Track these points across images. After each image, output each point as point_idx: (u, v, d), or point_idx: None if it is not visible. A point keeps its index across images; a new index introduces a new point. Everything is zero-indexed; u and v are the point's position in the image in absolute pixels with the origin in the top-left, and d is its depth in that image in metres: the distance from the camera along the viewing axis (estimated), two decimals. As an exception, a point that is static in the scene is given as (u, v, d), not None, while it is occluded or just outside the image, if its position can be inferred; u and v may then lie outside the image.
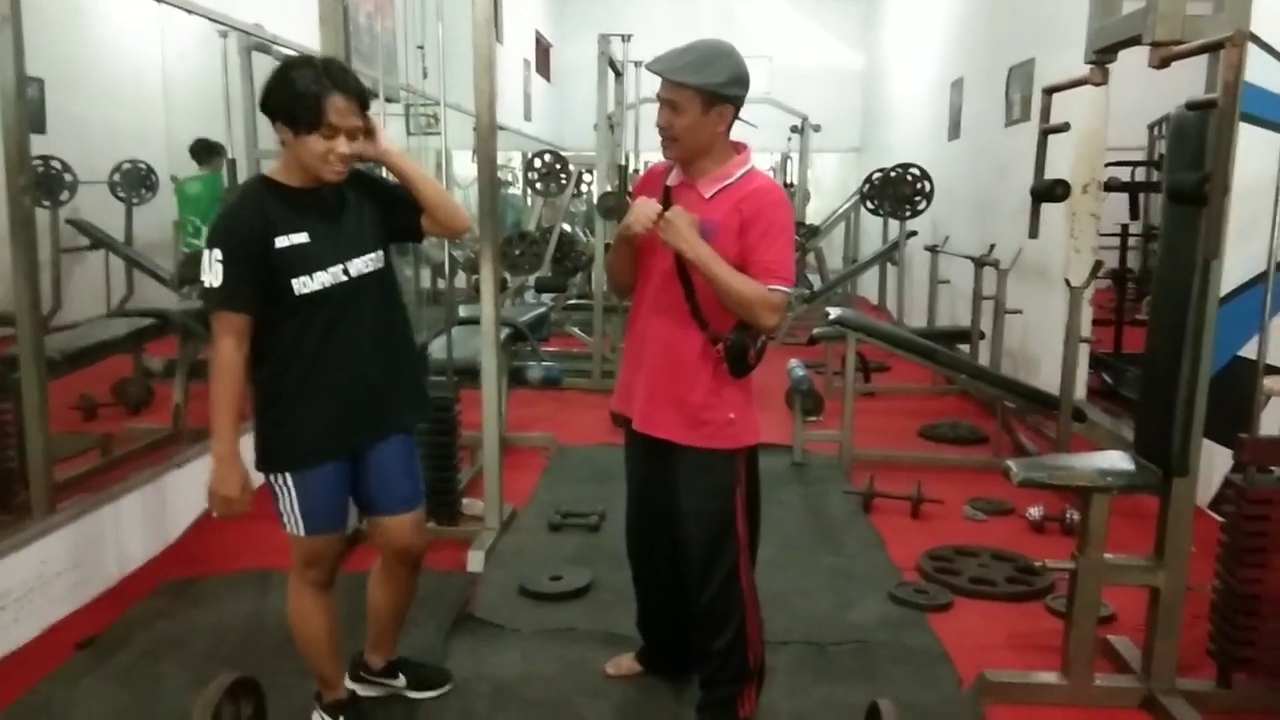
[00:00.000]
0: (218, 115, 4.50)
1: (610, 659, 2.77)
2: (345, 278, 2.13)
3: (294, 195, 2.10)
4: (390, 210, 2.25)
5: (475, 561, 3.42)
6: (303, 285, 2.07)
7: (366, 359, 2.19)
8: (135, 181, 4.42)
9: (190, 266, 4.67)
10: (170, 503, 3.68)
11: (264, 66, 4.67)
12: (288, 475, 2.18)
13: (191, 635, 2.92)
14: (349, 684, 2.50)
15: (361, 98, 2.08)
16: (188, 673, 2.68)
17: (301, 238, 2.07)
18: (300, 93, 1.98)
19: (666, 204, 2.24)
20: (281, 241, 2.05)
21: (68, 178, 4.00)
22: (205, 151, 4.56)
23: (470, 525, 3.73)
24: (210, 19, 4.06)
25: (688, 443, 2.28)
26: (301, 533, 2.23)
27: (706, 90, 2.13)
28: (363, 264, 2.16)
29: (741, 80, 2.18)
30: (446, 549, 3.45)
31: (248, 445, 2.17)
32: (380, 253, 2.21)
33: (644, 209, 2.18)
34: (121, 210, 4.40)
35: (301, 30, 4.40)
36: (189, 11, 3.85)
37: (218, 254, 2.01)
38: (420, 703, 2.55)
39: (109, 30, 4.14)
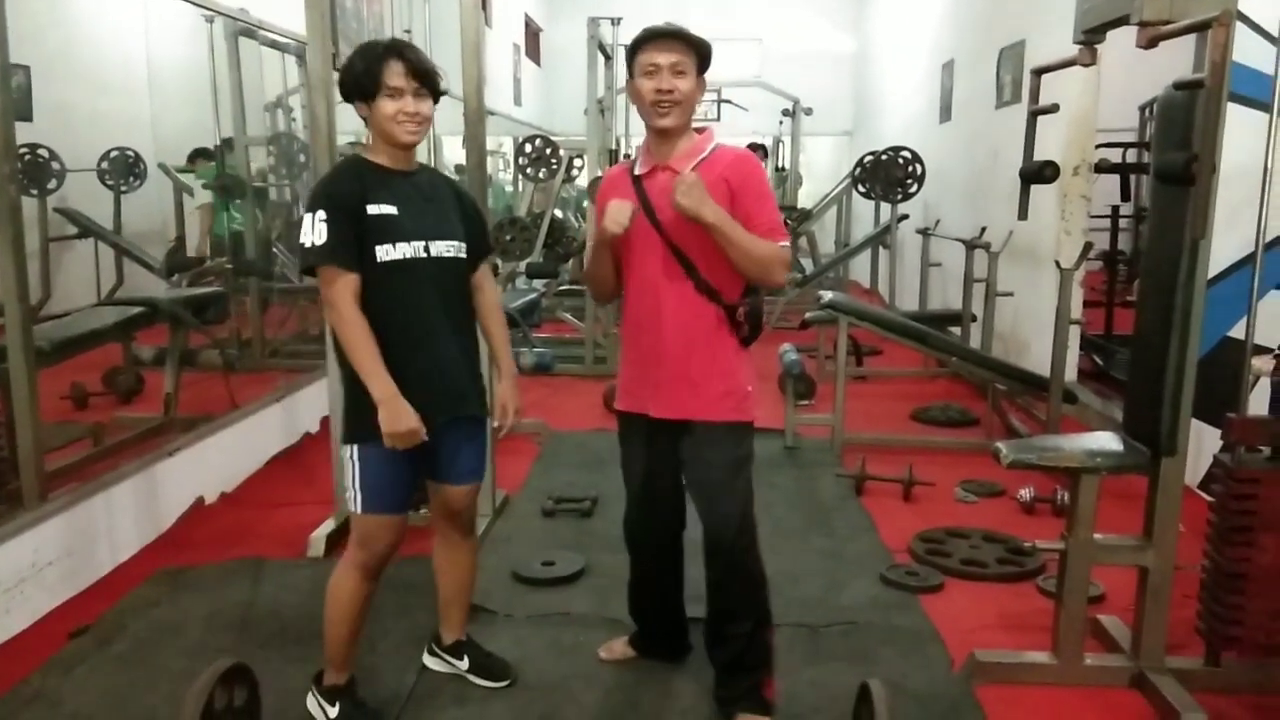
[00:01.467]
0: (205, 101, 4.48)
1: (604, 643, 2.77)
2: (425, 254, 2.23)
3: (386, 172, 2.25)
4: (471, 231, 2.37)
5: (468, 547, 3.42)
6: (385, 253, 2.18)
7: (444, 340, 2.28)
8: (123, 169, 4.39)
9: (177, 255, 4.66)
10: (162, 491, 3.67)
11: (251, 51, 4.66)
12: (356, 448, 2.24)
13: (185, 623, 2.93)
14: (425, 656, 2.66)
15: (421, 65, 2.20)
16: (181, 661, 2.69)
17: (390, 209, 2.20)
18: (362, 66, 2.18)
19: (641, 195, 2.28)
20: (373, 208, 2.18)
21: (55, 166, 3.98)
22: (203, 156, 4.62)
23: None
24: (195, 4, 4.02)
25: (717, 418, 2.29)
26: (359, 509, 2.27)
27: (703, 52, 2.23)
28: (445, 247, 2.27)
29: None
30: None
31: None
32: (464, 245, 2.32)
33: (617, 209, 2.23)
34: (110, 198, 4.37)
35: (287, 14, 4.37)
36: (174, -3, 3.82)
37: (321, 214, 2.14)
38: (482, 690, 2.56)
39: (95, 17, 4.10)
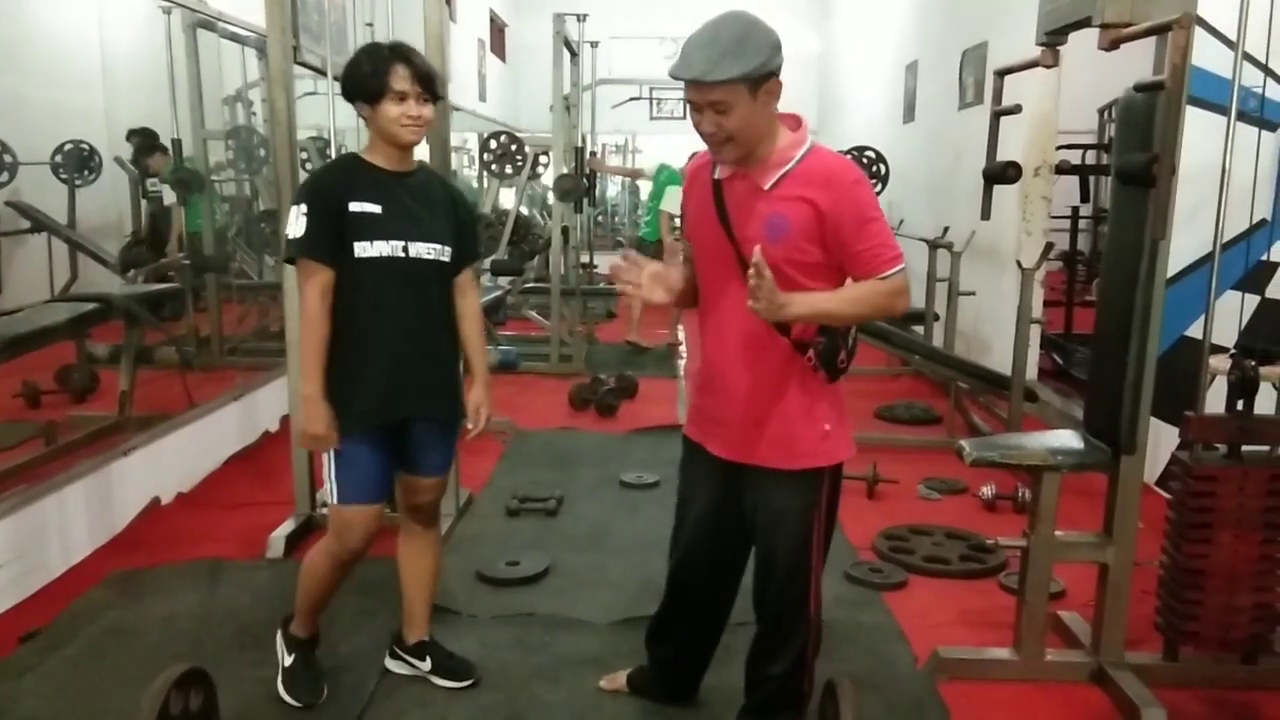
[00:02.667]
0: (163, 94, 4.40)
1: (573, 642, 2.76)
2: (403, 254, 2.25)
3: (378, 172, 2.28)
4: (459, 236, 2.39)
5: (431, 547, 3.39)
6: (363, 249, 2.22)
7: (414, 339, 2.30)
8: (77, 162, 4.30)
9: (133, 250, 4.58)
10: (117, 492, 3.59)
11: (209, 44, 4.57)
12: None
13: (140, 627, 2.86)
14: (386, 659, 2.63)
15: (425, 70, 2.24)
16: (136, 665, 2.62)
17: (374, 207, 2.23)
18: (367, 68, 2.21)
19: (718, 200, 2.01)
20: (355, 205, 2.22)
21: (7, 158, 3.88)
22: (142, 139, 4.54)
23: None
24: (151, -5, 3.95)
25: (782, 466, 2.06)
26: (335, 500, 2.33)
27: (753, 77, 1.85)
28: (425, 249, 2.29)
29: (779, 46, 1.90)
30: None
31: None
32: (447, 248, 2.33)
33: (652, 282, 2.02)
34: (64, 192, 4.28)
35: (247, 7, 4.30)
36: (129, -14, 3.74)
37: (303, 208, 2.21)
38: (445, 692, 2.54)
39: (48, 8, 4.00)
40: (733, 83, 1.84)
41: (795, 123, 2.00)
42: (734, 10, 1.92)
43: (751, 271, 1.80)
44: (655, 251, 7.07)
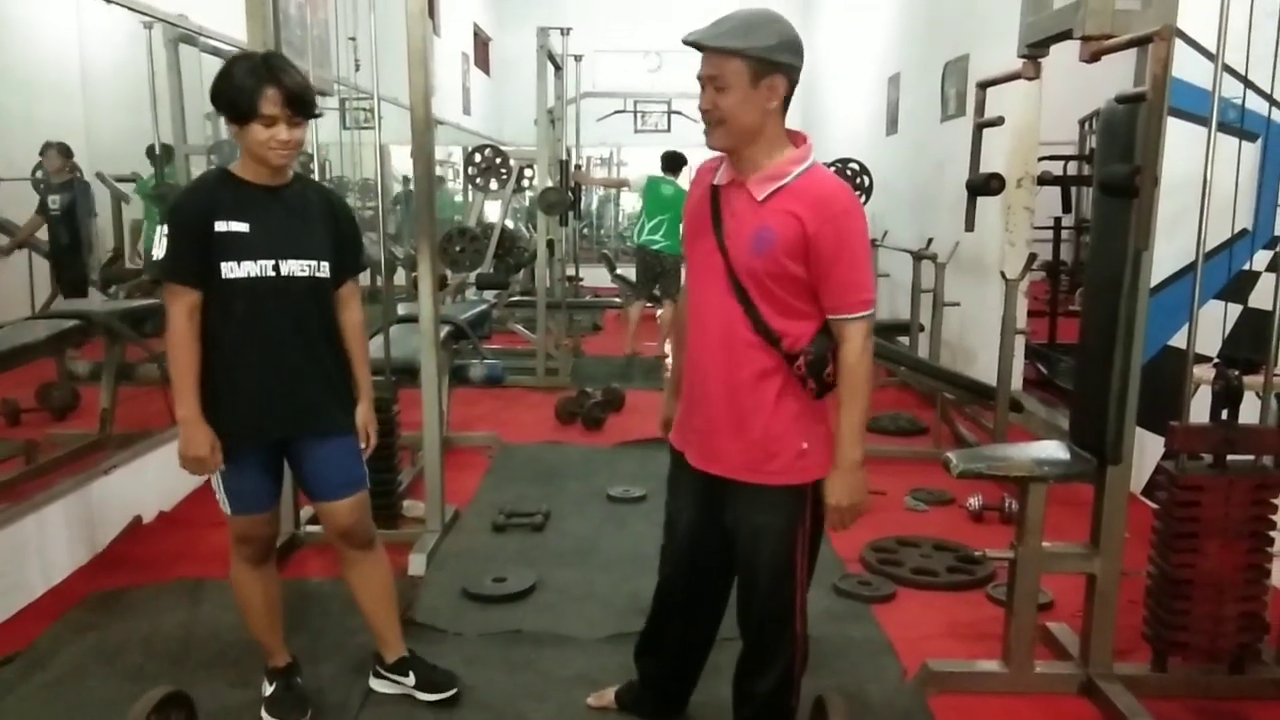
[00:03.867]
0: (144, 108, 4.37)
1: (559, 659, 2.73)
2: (273, 274, 2.20)
3: (247, 188, 2.21)
4: (340, 249, 2.35)
5: (416, 565, 3.36)
6: (230, 270, 2.17)
7: (289, 356, 2.25)
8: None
9: (114, 266, 4.54)
10: (98, 511, 3.55)
11: (191, 58, 4.55)
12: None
13: (121, 648, 2.82)
14: (371, 680, 2.60)
15: (297, 92, 2.15)
16: (117, 687, 2.58)
17: (241, 226, 2.17)
18: (238, 85, 2.12)
19: (715, 206, 1.99)
20: (220, 226, 2.16)
21: (-15, 174, 3.84)
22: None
23: (411, 528, 3.67)
24: (132, 8, 3.92)
25: (754, 481, 2.01)
26: (229, 511, 2.34)
27: (754, 56, 1.83)
28: (298, 266, 2.24)
29: (794, 47, 1.89)
30: (387, 552, 3.37)
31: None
32: (323, 264, 2.28)
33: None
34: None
35: (229, 21, 4.28)
36: (108, 1, 3.72)
37: (168, 229, 2.20)
38: (431, 712, 2.52)
39: (27, 22, 3.98)
40: (730, 54, 1.84)
41: (801, 140, 1.98)
42: (764, 6, 1.95)
43: (835, 511, 2.01)
44: (674, 265, 7.05)
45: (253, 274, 2.18)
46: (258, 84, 2.11)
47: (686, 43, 1.90)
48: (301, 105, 2.16)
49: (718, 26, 1.87)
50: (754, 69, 1.84)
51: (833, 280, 1.89)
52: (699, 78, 1.90)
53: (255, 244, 2.18)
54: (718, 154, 2.01)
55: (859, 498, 2.03)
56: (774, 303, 1.92)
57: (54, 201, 4.04)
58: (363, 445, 2.44)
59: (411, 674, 2.54)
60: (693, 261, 2.06)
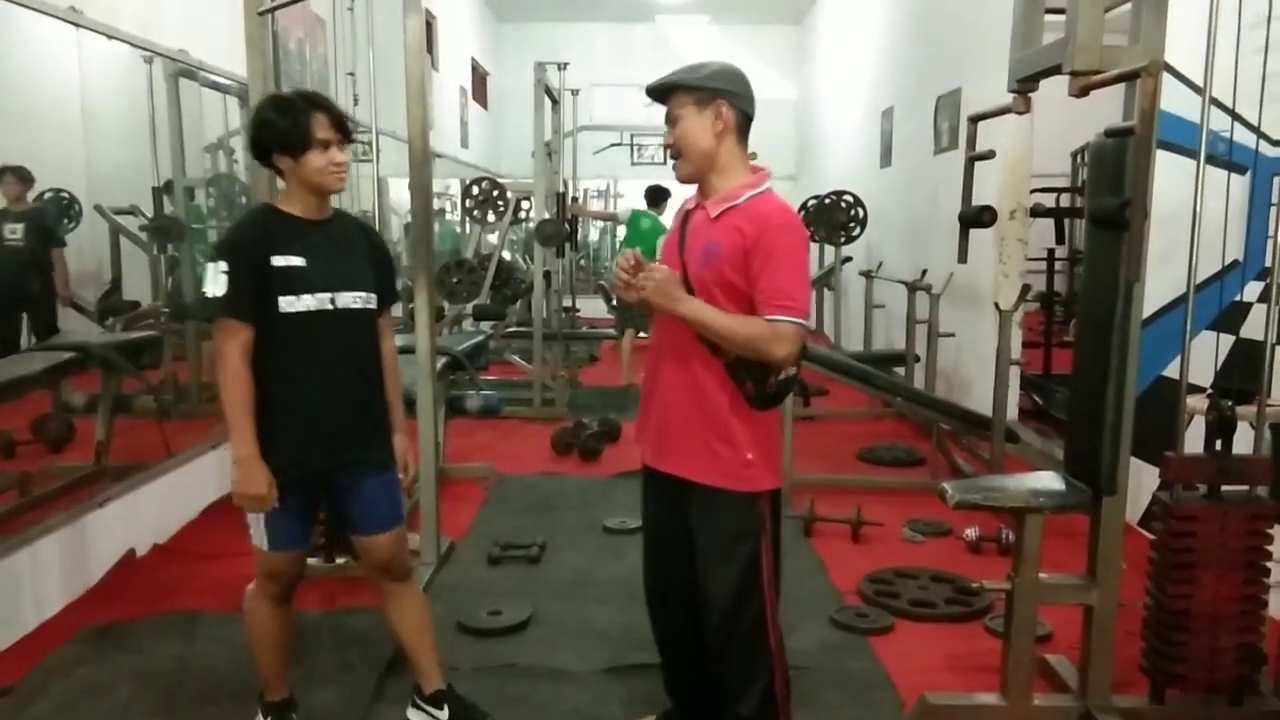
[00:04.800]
0: (143, 141, 4.40)
1: (555, 693, 2.71)
2: (331, 306, 2.23)
3: (296, 223, 2.25)
4: (379, 271, 2.38)
5: (412, 597, 3.34)
6: (289, 304, 2.19)
7: (341, 390, 2.28)
8: (58, 210, 4.28)
9: (112, 297, 4.55)
10: (91, 544, 3.54)
11: (191, 92, 4.60)
12: None
13: (113, 683, 2.80)
14: (409, 710, 2.58)
15: (342, 117, 2.26)
16: (108, 723, 2.57)
17: (298, 260, 2.20)
18: (287, 118, 2.17)
19: (681, 227, 2.19)
20: (278, 260, 2.18)
21: (-16, 207, 3.85)
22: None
23: (407, 559, 3.65)
24: (133, 44, 3.96)
25: (701, 480, 2.12)
26: (265, 547, 2.31)
27: (694, 86, 2.08)
28: (351, 299, 2.27)
29: (733, 79, 2.11)
30: (382, 585, 3.37)
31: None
32: (372, 295, 2.33)
33: (618, 270, 2.13)
34: (41, 240, 4.25)
35: (228, 56, 4.33)
36: (109, 37, 3.76)
37: (223, 265, 2.16)
38: None
39: (26, 56, 4.02)
40: (675, 89, 2.10)
41: (758, 170, 2.16)
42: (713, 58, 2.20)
43: (651, 271, 2.04)
44: None
45: (312, 307, 2.20)
46: (307, 112, 2.17)
47: (649, 91, 2.15)
48: (345, 129, 2.25)
49: (673, 72, 2.13)
50: (697, 98, 2.08)
51: (762, 282, 2.02)
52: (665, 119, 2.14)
53: (312, 277, 2.21)
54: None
55: (688, 311, 2.03)
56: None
57: (12, 232, 3.88)
58: (402, 475, 2.45)
59: (446, 708, 2.52)
60: None
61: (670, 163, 2.18)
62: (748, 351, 2.02)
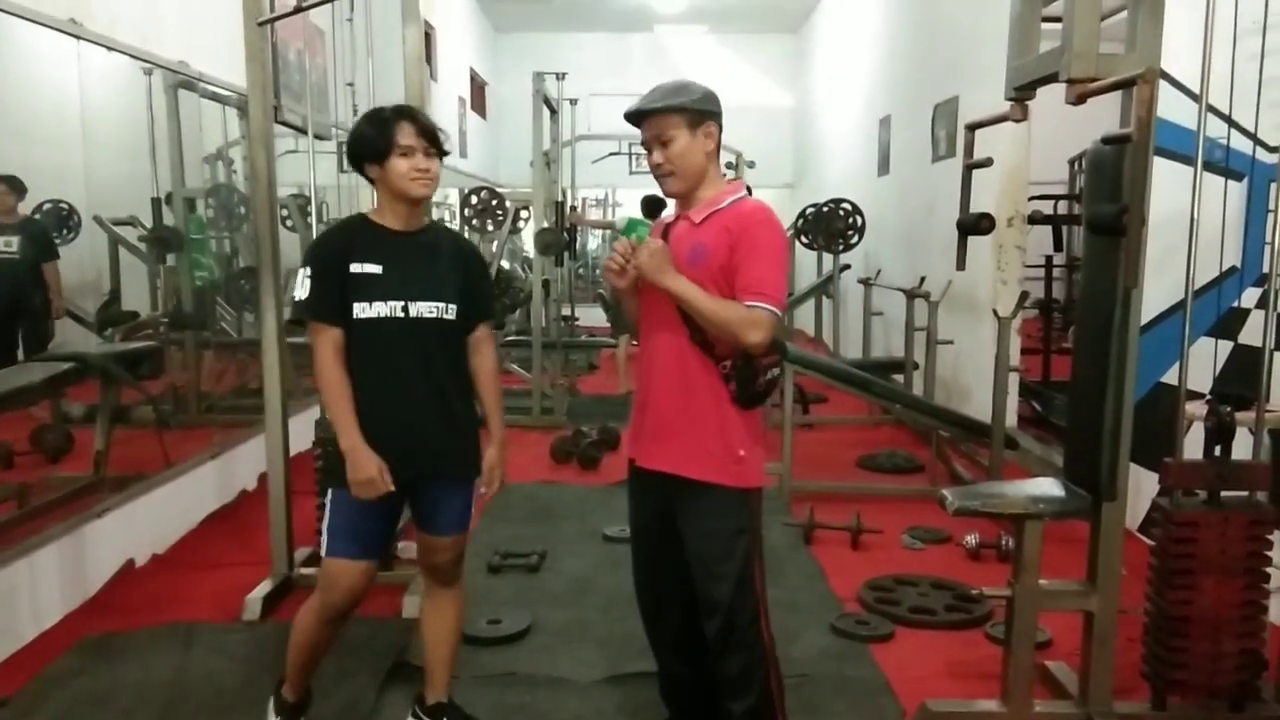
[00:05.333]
0: (143, 153, 4.41)
1: (554, 702, 2.70)
2: (402, 315, 2.27)
3: (382, 233, 2.31)
4: (469, 294, 2.38)
5: (411, 607, 3.33)
6: (362, 310, 2.25)
7: (418, 400, 2.30)
8: (56, 222, 4.28)
9: (110, 308, 4.55)
10: (90, 554, 3.53)
11: (190, 103, 4.61)
12: (331, 492, 2.33)
13: (112, 694, 2.79)
14: (408, 719, 2.58)
15: (431, 127, 2.30)
16: (107, 733, 2.56)
17: (375, 268, 2.26)
18: (374, 130, 2.26)
19: (664, 238, 2.24)
20: (356, 267, 2.25)
21: (-17, 218, 3.85)
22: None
23: (406, 569, 3.64)
24: (132, 56, 3.98)
25: (694, 476, 2.17)
26: (323, 552, 2.34)
27: (688, 109, 2.14)
28: (427, 308, 2.29)
29: (714, 99, 2.21)
30: (382, 594, 3.36)
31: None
32: (451, 306, 2.33)
33: (613, 253, 2.20)
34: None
35: (228, 67, 4.34)
36: (109, 48, 3.77)
37: (307, 270, 2.26)
38: None
39: (25, 68, 4.03)
40: (671, 111, 2.14)
41: (735, 182, 2.28)
42: (680, 76, 2.31)
43: (646, 243, 2.12)
44: None
45: (383, 314, 2.25)
46: (393, 120, 2.25)
47: (629, 114, 2.20)
48: (435, 139, 2.29)
49: (651, 96, 2.17)
50: (691, 119, 2.15)
51: (743, 272, 2.11)
52: (643, 143, 2.20)
53: (387, 285, 2.25)
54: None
55: (674, 284, 2.10)
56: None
57: (6, 244, 3.81)
58: (483, 490, 2.44)
59: None
60: (645, 289, 2.25)
61: (660, 180, 2.23)
62: (724, 333, 2.09)
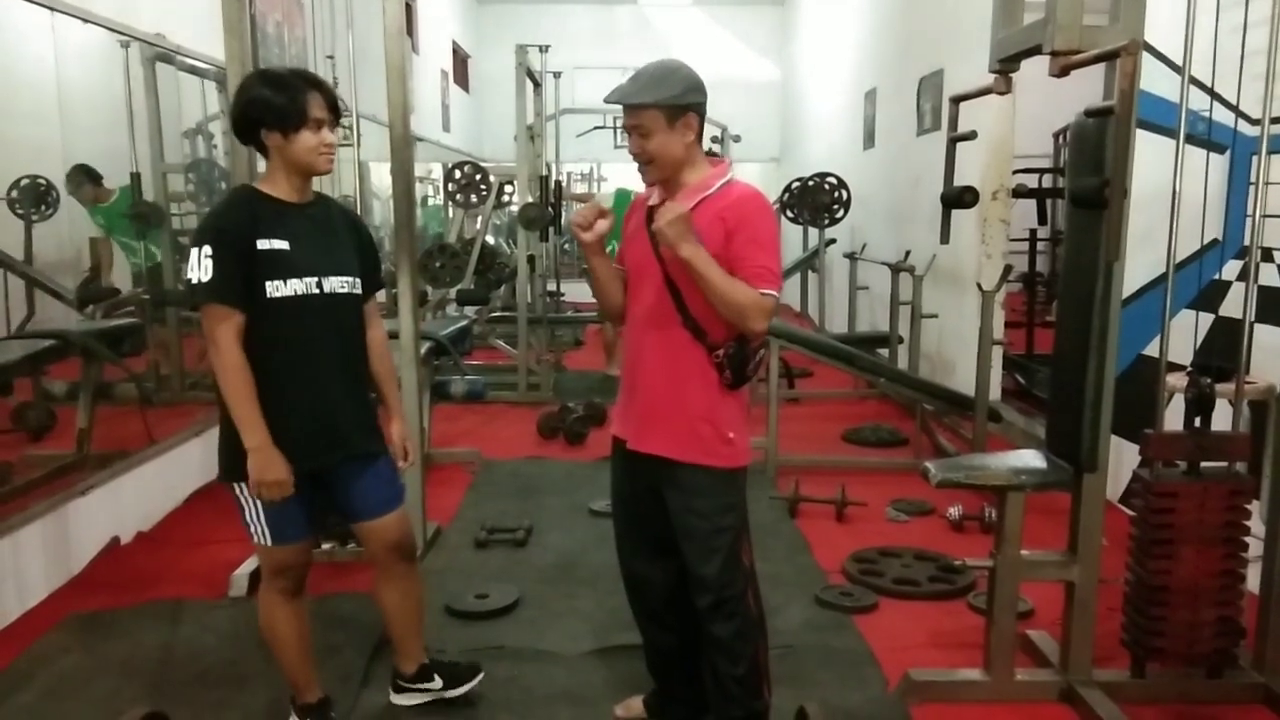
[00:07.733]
0: (121, 127, 4.35)
1: (541, 675, 2.72)
2: (318, 290, 2.18)
3: (280, 205, 2.18)
4: (363, 256, 2.33)
5: (398, 581, 3.34)
6: (276, 289, 2.12)
7: (332, 378, 2.23)
8: (34, 198, 4.23)
9: (90, 287, 4.51)
10: (74, 532, 3.52)
11: (169, 77, 4.55)
12: (245, 485, 2.16)
13: (97, 671, 2.79)
14: (392, 697, 2.57)
15: (334, 97, 2.21)
16: (94, 710, 2.56)
17: (282, 244, 2.14)
18: (283, 97, 2.11)
19: (649, 223, 2.18)
20: (263, 244, 2.12)
21: (-41, 194, 3.80)
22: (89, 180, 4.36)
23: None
24: (109, 28, 3.92)
25: (685, 458, 2.18)
26: (268, 543, 2.25)
27: (666, 104, 2.11)
28: (339, 283, 2.22)
29: (697, 87, 2.17)
30: (368, 570, 3.36)
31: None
32: (358, 280, 2.28)
33: (581, 209, 2.19)
34: (20, 227, 4.20)
35: (206, 40, 4.28)
36: (84, 20, 3.71)
37: (208, 250, 2.07)
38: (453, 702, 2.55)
39: (1, 40, 3.97)
40: (648, 107, 2.11)
41: (719, 162, 2.26)
42: (667, 57, 2.24)
43: (667, 206, 2.07)
44: None
45: (299, 292, 2.15)
46: (304, 89, 2.12)
47: (609, 102, 2.18)
48: (338, 110, 2.21)
49: (634, 84, 2.14)
50: (668, 114, 2.12)
51: (745, 261, 2.10)
52: (625, 127, 2.18)
53: (297, 261, 2.15)
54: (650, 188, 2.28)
55: (692, 255, 2.05)
56: (699, 296, 2.11)
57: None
58: (401, 463, 2.42)
59: (436, 676, 2.54)
60: (631, 270, 2.28)
61: (639, 168, 2.21)
62: (731, 314, 2.09)
